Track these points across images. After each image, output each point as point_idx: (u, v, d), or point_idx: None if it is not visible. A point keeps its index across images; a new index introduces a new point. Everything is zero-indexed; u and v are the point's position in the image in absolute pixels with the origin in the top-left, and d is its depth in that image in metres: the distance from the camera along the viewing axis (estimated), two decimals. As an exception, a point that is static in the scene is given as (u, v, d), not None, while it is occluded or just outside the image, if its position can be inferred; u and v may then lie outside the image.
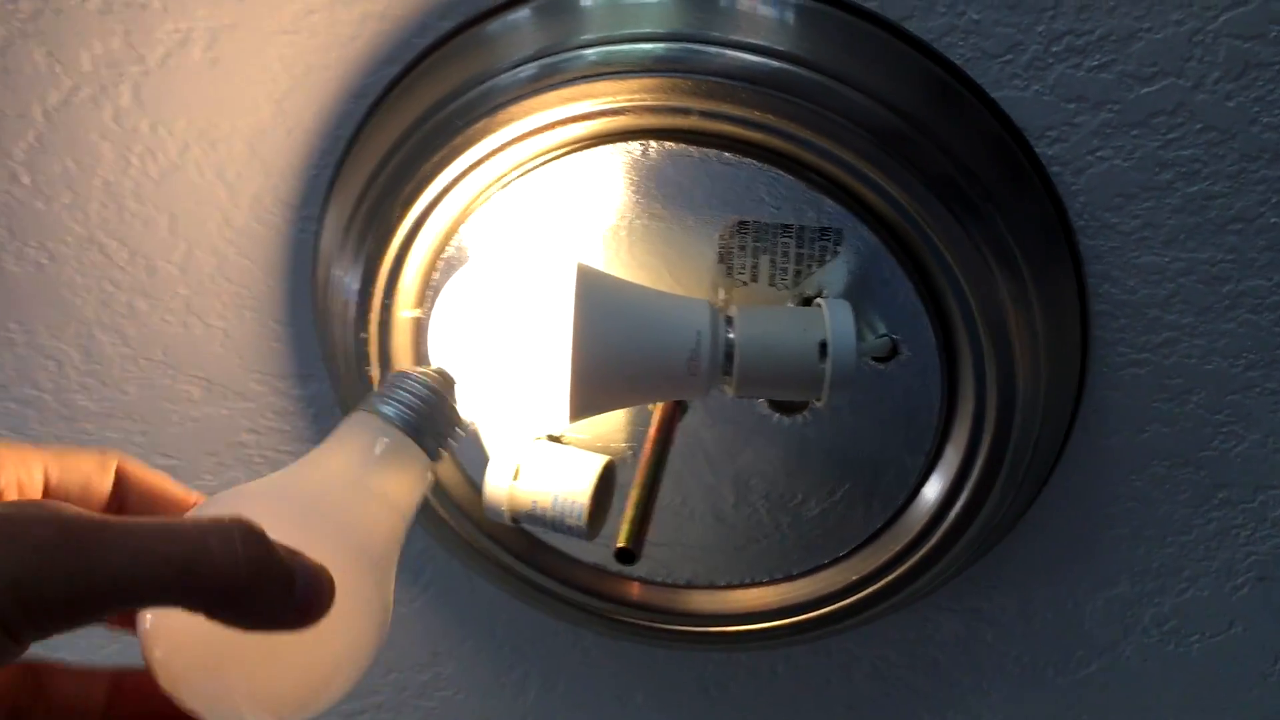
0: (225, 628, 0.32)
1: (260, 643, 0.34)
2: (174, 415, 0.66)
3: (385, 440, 0.41)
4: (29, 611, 0.29)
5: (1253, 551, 0.60)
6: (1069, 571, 0.62)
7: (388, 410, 0.41)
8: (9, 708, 0.37)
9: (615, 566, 0.59)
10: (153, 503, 0.40)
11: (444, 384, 0.43)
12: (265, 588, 0.32)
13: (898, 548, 0.58)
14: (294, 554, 0.34)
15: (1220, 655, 0.64)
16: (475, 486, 0.59)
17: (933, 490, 0.57)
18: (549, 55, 0.50)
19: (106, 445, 0.67)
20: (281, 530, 0.34)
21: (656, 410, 0.53)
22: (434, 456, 0.42)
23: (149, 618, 0.35)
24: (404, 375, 0.42)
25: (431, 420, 0.42)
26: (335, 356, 0.59)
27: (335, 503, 0.39)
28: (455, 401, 0.43)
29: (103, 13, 0.54)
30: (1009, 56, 0.49)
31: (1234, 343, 0.54)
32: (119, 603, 0.30)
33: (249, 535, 0.32)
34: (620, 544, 0.47)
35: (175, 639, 0.35)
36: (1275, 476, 0.57)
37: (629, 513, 0.48)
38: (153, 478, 0.40)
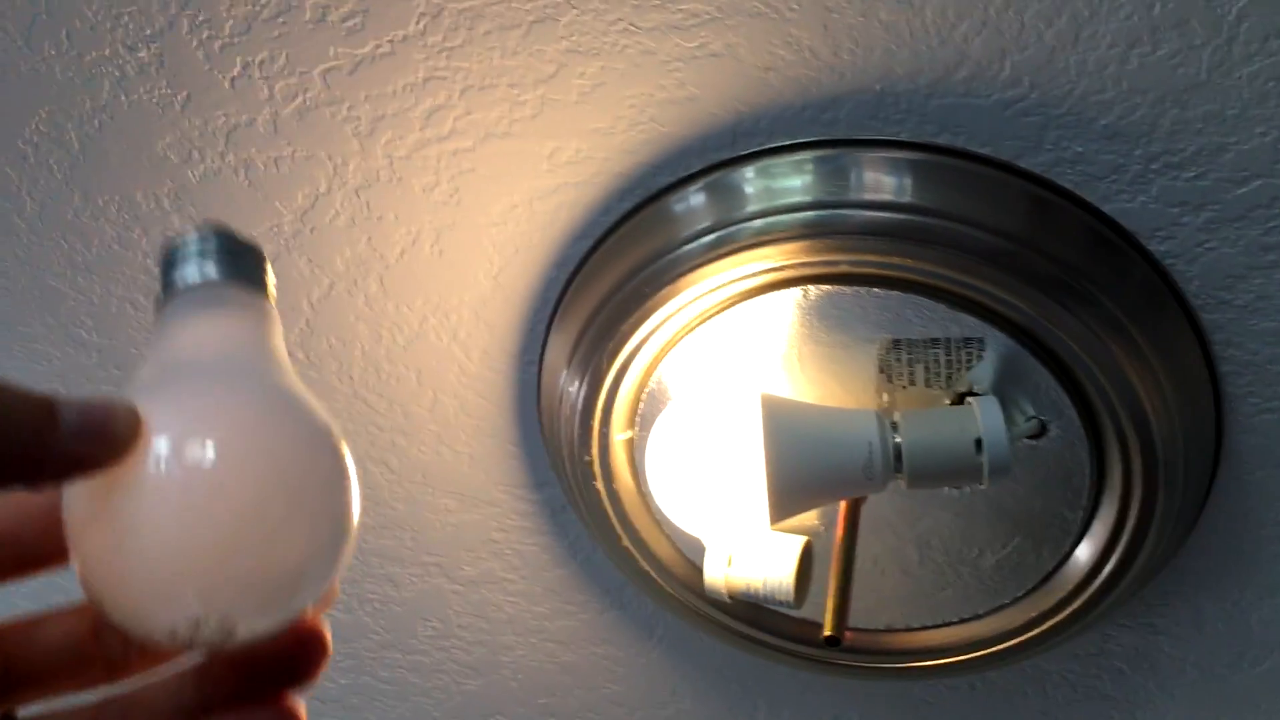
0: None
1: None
2: (436, 523, 0.79)
3: (213, 302, 0.34)
4: None
5: (1403, 557, 0.66)
6: (1233, 585, 0.69)
7: (191, 275, 0.34)
8: None
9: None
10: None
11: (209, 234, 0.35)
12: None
13: (1069, 587, 0.66)
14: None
15: (1386, 647, 0.70)
16: (696, 567, 0.70)
17: (1094, 537, 0.65)
18: (720, 229, 0.59)
19: (382, 552, 0.80)
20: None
21: (842, 503, 0.63)
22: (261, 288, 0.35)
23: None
24: (177, 243, 0.34)
25: (228, 263, 0.34)
26: (564, 471, 0.71)
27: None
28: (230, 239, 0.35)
29: (349, 226, 0.66)
30: (1114, 178, 0.56)
31: (1356, 386, 0.60)
32: None
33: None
34: (826, 632, 0.57)
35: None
36: None
37: (829, 603, 0.58)
38: None
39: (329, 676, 0.90)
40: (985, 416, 0.58)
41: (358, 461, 0.77)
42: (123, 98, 0.63)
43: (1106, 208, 0.57)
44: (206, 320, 0.33)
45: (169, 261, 0.34)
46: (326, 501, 0.31)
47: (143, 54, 0.61)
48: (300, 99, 0.62)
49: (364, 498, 0.79)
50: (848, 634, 0.72)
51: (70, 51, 0.62)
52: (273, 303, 0.35)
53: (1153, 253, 0.58)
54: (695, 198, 0.61)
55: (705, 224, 0.60)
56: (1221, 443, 0.64)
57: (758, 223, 0.58)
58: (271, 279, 0.36)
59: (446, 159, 0.63)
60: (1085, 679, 0.76)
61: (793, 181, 0.59)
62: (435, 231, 0.66)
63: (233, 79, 0.62)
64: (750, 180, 0.60)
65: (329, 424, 0.32)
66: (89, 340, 0.75)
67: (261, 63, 0.61)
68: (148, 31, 0.61)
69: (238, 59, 0.61)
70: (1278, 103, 0.52)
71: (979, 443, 0.57)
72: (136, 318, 0.73)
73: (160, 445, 0.29)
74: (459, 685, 0.88)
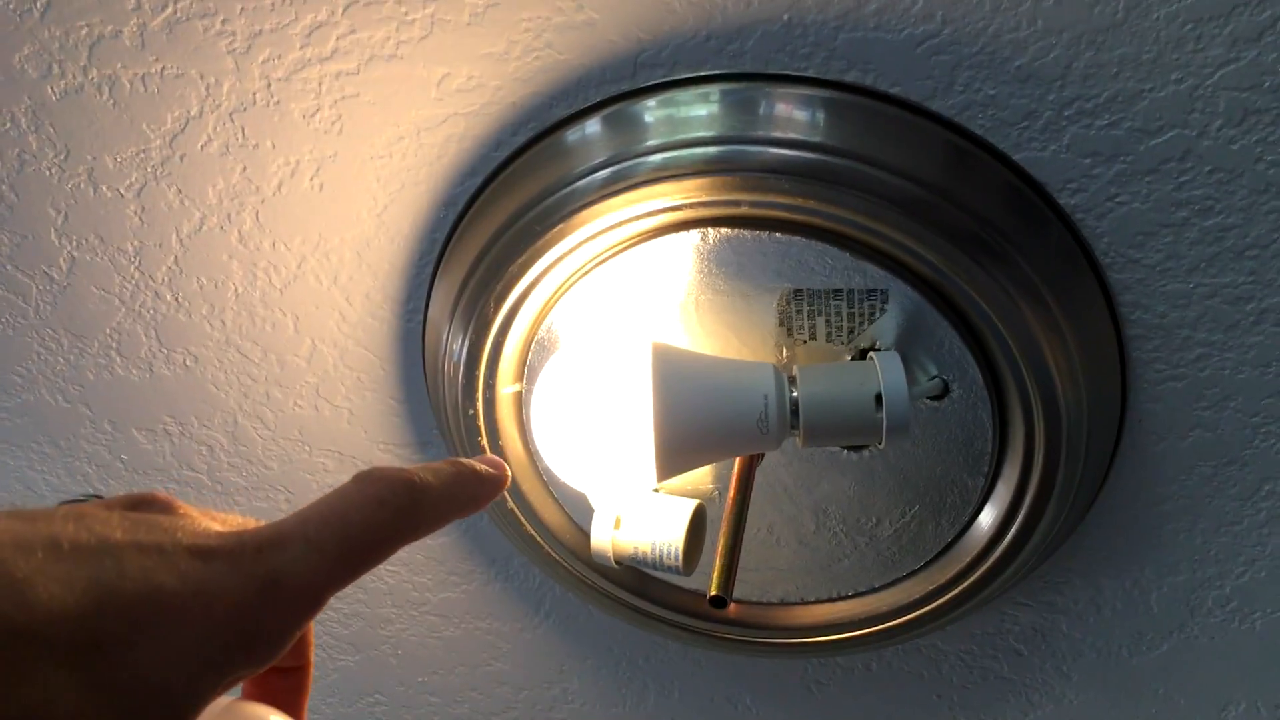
0: None
1: None
2: (313, 483, 0.74)
3: None
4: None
5: (1303, 535, 0.65)
6: (1132, 563, 0.68)
7: None
8: None
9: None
10: None
11: None
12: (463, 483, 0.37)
13: (968, 559, 0.64)
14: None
15: (1283, 629, 0.69)
16: (583, 532, 0.67)
17: (995, 505, 0.62)
18: (617, 163, 0.56)
19: (257, 514, 0.75)
20: None
21: (736, 463, 0.59)
22: None
23: None
24: None
25: None
26: (448, 428, 0.67)
27: None
28: None
29: (222, 154, 0.62)
30: (1025, 123, 0.54)
31: (1262, 353, 0.58)
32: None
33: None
34: (712, 592, 0.54)
35: None
36: (1316, 467, 0.62)
37: (718, 562, 0.55)
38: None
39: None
40: (886, 371, 0.55)
41: (230, 415, 0.72)
42: (-26, 0, 0.58)
43: (1018, 156, 0.55)
44: None
45: None
46: None
47: (-3, -48, 0.56)
48: (170, 9, 0.57)
49: (236, 455, 0.74)
50: (735, 606, 0.70)
51: (-84, -55, 0.57)
52: None
53: (1064, 206, 0.56)
54: (591, 128, 0.57)
55: (601, 158, 0.57)
56: (1126, 411, 0.62)
57: (657, 157, 0.55)
58: None
59: (328, 82, 0.59)
60: (982, 660, 0.74)
61: (697, 112, 0.55)
62: (316, 162, 0.61)
63: (96, -17, 0.57)
64: (651, 110, 0.56)
65: None
66: (-64, 273, 0.69)
67: (128, -34, 0.56)
68: (2, -74, 0.56)
69: (101, -39, 0.56)
70: (1194, 47, 0.51)
71: (879, 399, 0.55)
72: (-11, 249, 0.67)
73: None
74: (334, 661, 0.84)
